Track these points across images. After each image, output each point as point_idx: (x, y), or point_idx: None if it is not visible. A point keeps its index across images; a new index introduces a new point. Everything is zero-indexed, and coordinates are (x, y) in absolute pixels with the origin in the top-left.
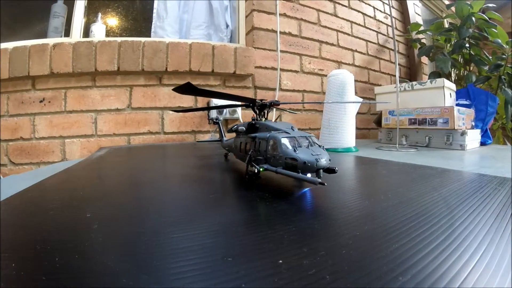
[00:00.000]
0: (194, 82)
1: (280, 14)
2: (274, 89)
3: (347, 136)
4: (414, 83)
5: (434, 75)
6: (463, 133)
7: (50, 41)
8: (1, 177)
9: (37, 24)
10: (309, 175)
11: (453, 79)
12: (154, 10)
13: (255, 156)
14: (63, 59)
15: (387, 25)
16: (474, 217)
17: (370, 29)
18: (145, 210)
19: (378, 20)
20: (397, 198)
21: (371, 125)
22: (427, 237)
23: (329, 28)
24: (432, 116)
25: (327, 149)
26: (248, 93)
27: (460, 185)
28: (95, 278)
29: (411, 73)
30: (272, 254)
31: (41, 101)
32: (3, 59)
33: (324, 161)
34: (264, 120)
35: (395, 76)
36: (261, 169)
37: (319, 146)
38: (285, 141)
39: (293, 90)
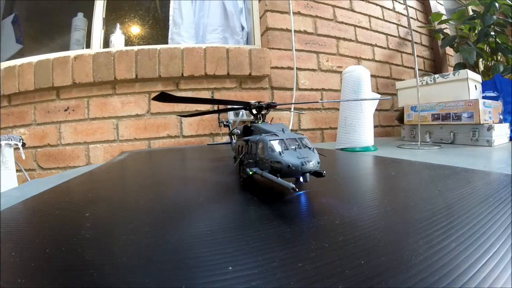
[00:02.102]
0: (210, 86)
1: (294, 13)
2: (291, 89)
3: (365, 135)
4: (436, 76)
5: (460, 66)
6: (489, 128)
7: (71, 53)
8: (29, 179)
9: (60, 37)
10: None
11: (480, 70)
12: (170, 17)
13: (247, 159)
14: (84, 69)
15: (408, 16)
16: (474, 231)
17: (389, 22)
18: (135, 212)
19: (398, 12)
20: (392, 205)
21: (395, 122)
22: (407, 255)
23: (346, 23)
24: (456, 110)
25: (344, 149)
26: (265, 94)
27: (474, 188)
28: (75, 267)
29: (436, 66)
30: (226, 260)
31: (65, 110)
32: (28, 72)
33: (311, 164)
34: (261, 122)
35: (418, 69)
36: (250, 172)
37: (309, 148)
38: (271, 144)
39: (311, 89)
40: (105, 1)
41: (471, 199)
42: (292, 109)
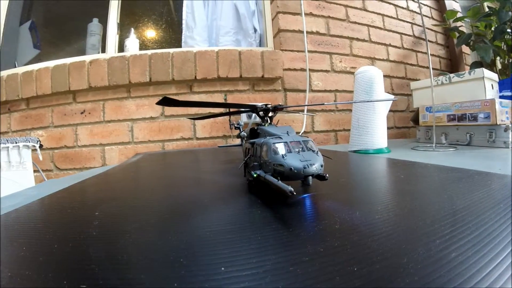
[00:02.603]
0: (223, 88)
1: (306, 14)
2: (304, 91)
3: (378, 137)
4: (451, 75)
5: (476, 65)
6: (506, 129)
7: (86, 58)
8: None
9: (76, 42)
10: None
11: (498, 68)
12: (183, 21)
13: (252, 161)
14: (100, 73)
15: (422, 15)
16: (479, 240)
17: (404, 20)
18: (141, 212)
19: (412, 11)
20: (396, 210)
21: (410, 123)
22: (404, 263)
23: (359, 23)
24: (472, 110)
25: (357, 151)
26: (278, 96)
27: (486, 192)
28: (79, 261)
29: (452, 65)
30: (220, 261)
31: (82, 113)
32: (45, 76)
33: (314, 167)
34: (267, 125)
35: (433, 69)
36: (254, 175)
37: (313, 151)
38: (275, 146)
39: (325, 91)
40: (119, 2)
41: (481, 204)
42: (305, 111)
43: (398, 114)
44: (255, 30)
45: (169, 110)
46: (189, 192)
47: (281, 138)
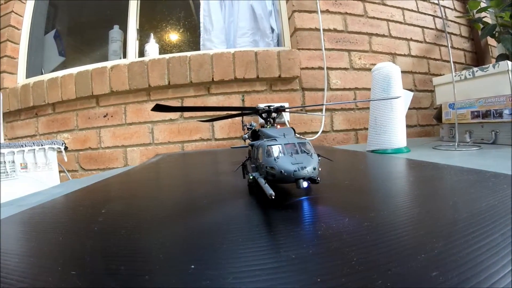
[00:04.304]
0: (240, 89)
1: (322, 11)
2: (322, 90)
3: (396, 136)
4: (475, 69)
5: (502, 58)
6: None
7: (108, 64)
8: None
9: (99, 49)
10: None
11: None
12: (201, 25)
13: (250, 164)
14: (120, 78)
15: (444, 6)
16: (472, 257)
17: (425, 13)
18: (143, 211)
19: (433, 3)
20: (390, 217)
21: (434, 121)
22: (373, 280)
23: (377, 18)
24: (497, 106)
25: (375, 151)
26: (296, 96)
27: (498, 199)
28: (75, 252)
29: (478, 59)
30: (191, 259)
31: (104, 116)
32: (69, 82)
33: (305, 171)
34: (269, 127)
35: (458, 63)
36: (250, 177)
37: (308, 154)
38: (268, 149)
39: (344, 89)
40: (138, 8)
41: (488, 213)
42: (323, 111)
43: (421, 111)
44: (273, 30)
45: (188, 112)
46: (191, 193)
47: (276, 140)
